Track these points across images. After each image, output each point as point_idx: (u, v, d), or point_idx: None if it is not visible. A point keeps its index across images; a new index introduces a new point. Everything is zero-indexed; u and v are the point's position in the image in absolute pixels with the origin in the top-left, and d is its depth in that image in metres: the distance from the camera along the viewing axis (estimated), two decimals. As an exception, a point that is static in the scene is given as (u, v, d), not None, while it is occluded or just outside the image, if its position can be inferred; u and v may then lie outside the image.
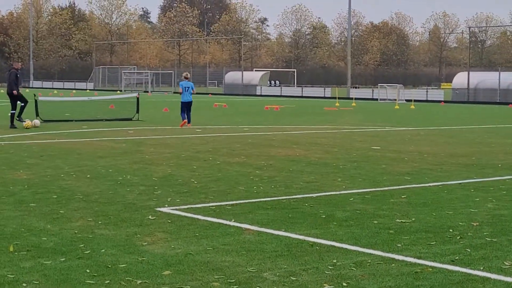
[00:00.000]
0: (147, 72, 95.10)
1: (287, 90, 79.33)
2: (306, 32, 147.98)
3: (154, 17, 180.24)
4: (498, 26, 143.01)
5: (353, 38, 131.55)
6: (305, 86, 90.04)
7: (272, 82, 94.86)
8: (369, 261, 7.47)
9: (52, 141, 20.59)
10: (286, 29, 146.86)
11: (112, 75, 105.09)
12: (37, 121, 26.05)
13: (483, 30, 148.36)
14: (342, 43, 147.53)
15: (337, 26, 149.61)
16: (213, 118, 33.25)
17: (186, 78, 28.35)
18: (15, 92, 25.38)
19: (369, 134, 24.73)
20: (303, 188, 12.20)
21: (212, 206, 10.51)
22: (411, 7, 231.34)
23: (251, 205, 10.60)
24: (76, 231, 8.73)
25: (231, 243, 8.20)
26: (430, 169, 14.96)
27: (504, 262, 7.45)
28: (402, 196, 11.44)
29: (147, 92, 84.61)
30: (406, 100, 60.95)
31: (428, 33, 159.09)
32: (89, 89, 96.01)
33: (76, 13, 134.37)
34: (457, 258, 7.60)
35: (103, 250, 7.82)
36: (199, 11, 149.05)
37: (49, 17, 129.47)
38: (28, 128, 24.65)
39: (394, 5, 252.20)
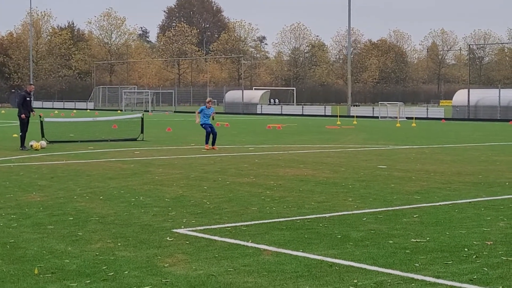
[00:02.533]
0: (148, 92, 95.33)
1: (287, 109, 79.53)
2: (305, 50, 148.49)
3: (153, 37, 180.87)
4: (496, 43, 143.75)
5: (352, 56, 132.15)
6: (305, 105, 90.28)
7: (272, 100, 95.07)
8: (389, 281, 7.60)
9: (61, 162, 20.73)
10: (284, 47, 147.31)
11: (112, 95, 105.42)
12: (43, 142, 26.19)
13: (481, 47, 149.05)
14: (341, 61, 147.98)
15: (336, 44, 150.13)
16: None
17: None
18: (23, 116, 25.47)
19: (374, 153, 24.88)
20: (316, 208, 12.33)
21: (228, 227, 10.64)
22: (409, 25, 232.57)
23: (266, 226, 10.73)
24: (97, 253, 8.86)
25: (251, 264, 8.33)
26: (438, 188, 15.10)
27: (522, 281, 7.57)
28: (414, 216, 11.58)
29: (148, 111, 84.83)
30: (406, 118, 61.16)
31: (426, 50, 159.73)
32: (90, 109, 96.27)
33: (75, 33, 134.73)
34: (475, 277, 7.73)
35: (126, 272, 7.95)
36: (198, 30, 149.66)
37: (49, 38, 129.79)
38: (37, 150, 24.77)
39: (392, 23, 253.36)
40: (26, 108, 25.70)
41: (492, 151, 25.80)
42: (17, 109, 25.95)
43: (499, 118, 59.72)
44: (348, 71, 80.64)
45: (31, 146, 25.22)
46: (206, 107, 26.63)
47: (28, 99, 25.78)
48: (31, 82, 30.47)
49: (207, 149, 25.54)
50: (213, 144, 25.98)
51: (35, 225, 10.70)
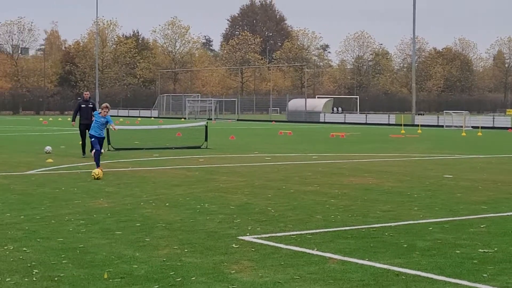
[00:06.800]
0: (211, 100, 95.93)
1: (350, 117, 79.23)
2: (369, 59, 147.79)
3: (216, 45, 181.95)
4: None
5: (416, 64, 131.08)
6: (368, 113, 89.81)
7: (335, 109, 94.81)
8: (457, 291, 7.54)
9: (126, 169, 21.01)
10: (348, 55, 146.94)
11: (176, 103, 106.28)
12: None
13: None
14: (405, 69, 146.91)
15: (400, 52, 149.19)
16: (280, 145, 33.44)
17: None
18: (73, 123, 26.34)
19: (439, 162, 24.63)
20: (381, 217, 12.28)
21: (293, 235, 10.66)
22: (474, 33, 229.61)
23: (331, 234, 10.72)
24: (164, 259, 8.97)
25: (316, 272, 8.34)
26: (506, 198, 14.89)
27: None
28: (481, 226, 11.44)
29: (211, 119, 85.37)
30: (472, 127, 60.34)
31: (492, 58, 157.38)
32: (154, 117, 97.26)
33: (140, 41, 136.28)
34: (545, 289, 7.62)
35: (193, 278, 8.03)
36: (261, 39, 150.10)
37: (114, 46, 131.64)
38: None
39: (457, 31, 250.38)
40: (83, 115, 26.11)
41: (560, 161, 25.29)
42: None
43: None
44: (412, 80, 79.99)
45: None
46: (98, 113, 21.32)
47: (83, 106, 26.23)
48: (87, 91, 30.99)
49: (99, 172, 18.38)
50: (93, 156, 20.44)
51: (103, 231, 10.89)
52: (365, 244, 9.94)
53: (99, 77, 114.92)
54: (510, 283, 7.83)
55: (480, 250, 9.58)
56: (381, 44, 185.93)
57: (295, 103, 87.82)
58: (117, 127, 27.03)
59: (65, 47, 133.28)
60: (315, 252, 9.42)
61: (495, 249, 9.65)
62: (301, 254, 9.28)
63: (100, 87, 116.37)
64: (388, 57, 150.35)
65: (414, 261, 8.89)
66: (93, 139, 20.68)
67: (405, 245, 9.87)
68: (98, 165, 19.48)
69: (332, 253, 9.37)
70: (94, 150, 20.33)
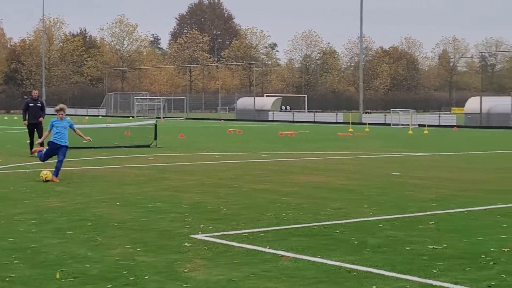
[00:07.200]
0: (160, 98, 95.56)
1: (299, 116, 79.56)
2: (316, 58, 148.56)
3: (164, 44, 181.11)
4: (508, 51, 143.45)
5: (363, 63, 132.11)
6: (316, 112, 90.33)
7: (283, 107, 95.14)
8: (408, 287, 7.68)
9: (76, 168, 20.86)
10: (296, 54, 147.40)
11: (124, 101, 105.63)
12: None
13: (493, 55, 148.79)
14: (352, 68, 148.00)
15: (347, 51, 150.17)
16: (229, 144, 33.47)
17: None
18: (24, 122, 25.83)
19: (387, 160, 24.91)
20: (332, 215, 12.40)
21: (245, 233, 10.72)
22: (420, 32, 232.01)
23: (283, 232, 10.80)
24: (117, 258, 8.95)
25: (270, 269, 8.40)
26: (453, 195, 15.14)
27: (541, 288, 7.62)
28: (430, 223, 11.63)
29: (160, 118, 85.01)
30: (418, 125, 61.09)
31: (437, 57, 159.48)
32: (102, 115, 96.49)
33: (88, 40, 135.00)
34: (493, 283, 7.80)
35: (146, 277, 8.03)
36: (210, 37, 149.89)
37: (61, 44, 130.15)
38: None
39: (404, 30, 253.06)
40: (32, 114, 25.77)
41: (505, 159, 25.79)
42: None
43: (511, 125, 59.58)
44: (360, 78, 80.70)
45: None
46: (58, 118, 18.96)
47: (31, 105, 25.89)
48: (35, 89, 30.36)
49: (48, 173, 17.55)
50: (55, 173, 17.70)
51: (55, 230, 10.81)
52: (317, 242, 10.04)
53: (46, 76, 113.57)
54: (460, 279, 7.99)
55: (430, 246, 9.75)
56: (329, 43, 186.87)
57: (244, 102, 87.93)
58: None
59: (10, 45, 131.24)
60: (267, 250, 9.48)
61: (444, 245, 9.82)
62: (254, 252, 9.34)
63: (47, 86, 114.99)
64: (336, 56, 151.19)
65: (366, 258, 9.01)
66: (48, 150, 18.37)
67: (356, 242, 10.00)
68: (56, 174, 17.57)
69: (284, 250, 9.44)
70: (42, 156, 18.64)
